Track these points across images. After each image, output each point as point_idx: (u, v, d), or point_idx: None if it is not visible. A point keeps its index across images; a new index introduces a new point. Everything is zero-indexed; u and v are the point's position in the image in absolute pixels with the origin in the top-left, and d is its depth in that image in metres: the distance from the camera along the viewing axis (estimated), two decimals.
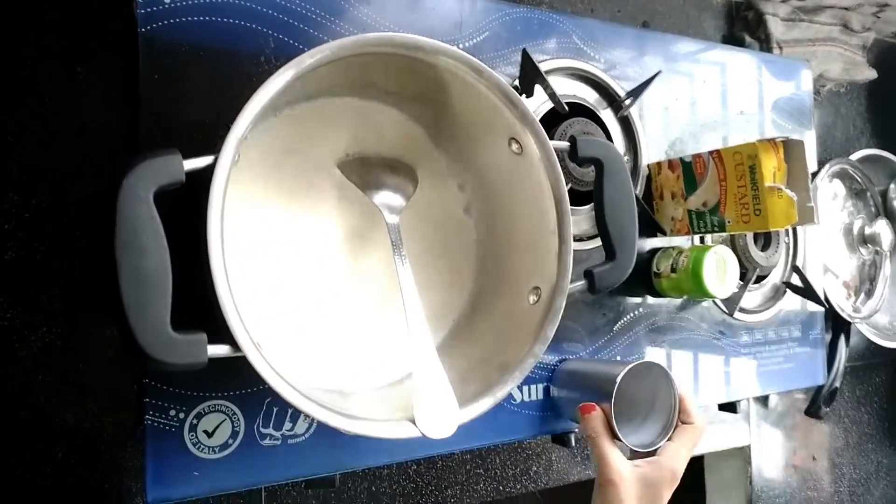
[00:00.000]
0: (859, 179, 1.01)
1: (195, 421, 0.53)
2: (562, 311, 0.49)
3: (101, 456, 0.57)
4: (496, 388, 0.47)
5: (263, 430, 0.55)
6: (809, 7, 1.00)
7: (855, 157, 1.01)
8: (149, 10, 0.52)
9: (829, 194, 1.00)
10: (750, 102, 0.87)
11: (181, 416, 0.52)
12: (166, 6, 0.53)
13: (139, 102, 0.52)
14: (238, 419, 0.54)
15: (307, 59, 0.42)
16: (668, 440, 0.57)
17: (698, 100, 0.82)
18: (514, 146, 0.53)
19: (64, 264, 0.56)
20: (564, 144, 0.53)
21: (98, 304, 0.57)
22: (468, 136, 0.57)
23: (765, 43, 0.97)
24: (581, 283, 0.52)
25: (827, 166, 0.97)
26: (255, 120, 0.41)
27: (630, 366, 0.58)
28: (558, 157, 0.51)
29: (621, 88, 0.75)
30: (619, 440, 0.56)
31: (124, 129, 0.57)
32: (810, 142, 0.92)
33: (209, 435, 0.53)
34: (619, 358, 0.72)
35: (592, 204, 0.70)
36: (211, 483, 0.53)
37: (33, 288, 0.55)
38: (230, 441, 0.54)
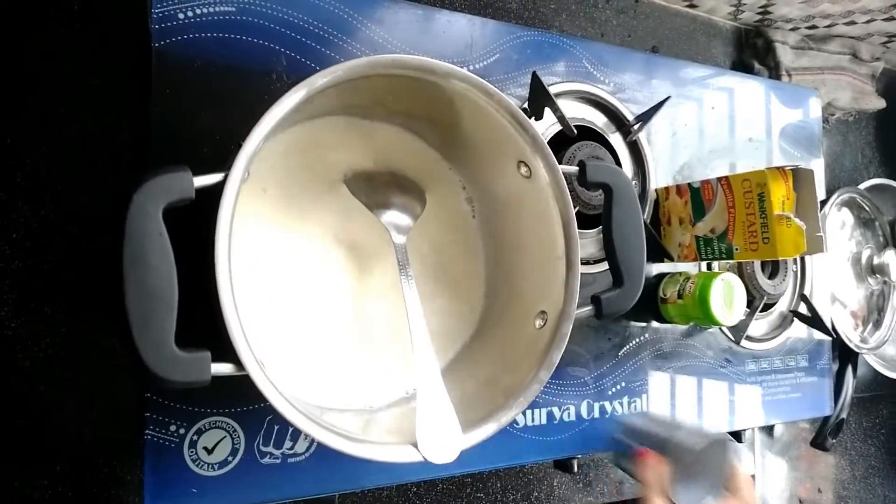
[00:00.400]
0: (868, 209, 1.01)
1: (195, 437, 0.52)
2: (568, 336, 0.49)
3: (100, 469, 0.57)
4: (500, 414, 0.46)
5: (264, 449, 0.55)
6: (819, 35, 1.01)
7: (863, 186, 1.01)
8: (163, 25, 0.53)
9: (838, 223, 1.00)
10: (758, 129, 0.87)
11: (181, 431, 0.52)
12: (181, 22, 0.53)
13: (150, 116, 0.52)
14: (238, 436, 0.54)
15: (319, 80, 0.42)
16: None
17: (707, 126, 0.82)
18: (523, 169, 0.53)
19: (69, 275, 0.56)
20: (574, 169, 0.52)
21: (102, 316, 0.57)
22: (476, 158, 0.57)
23: (774, 70, 0.98)
24: (588, 309, 0.52)
25: (836, 195, 0.96)
26: (265, 138, 0.41)
27: (691, 435, 0.60)
28: (567, 181, 0.51)
29: (630, 113, 0.75)
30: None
31: (135, 142, 0.57)
32: (819, 170, 0.92)
33: (209, 451, 0.53)
34: (624, 384, 0.72)
35: (599, 228, 0.71)
36: (209, 500, 0.52)
37: (38, 298, 0.55)
38: (230, 458, 0.53)
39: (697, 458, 0.60)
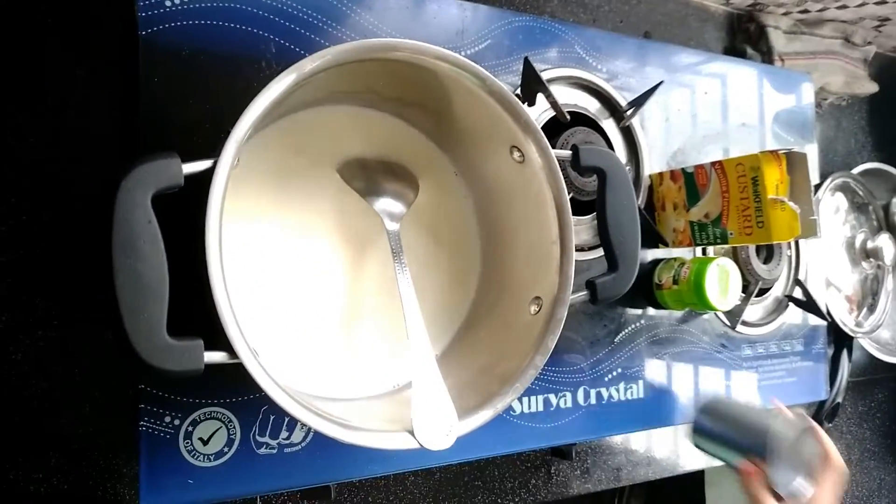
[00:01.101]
0: (861, 193, 1.01)
1: (191, 428, 0.52)
2: (563, 322, 0.49)
3: (95, 462, 0.56)
4: (496, 400, 0.46)
5: (259, 439, 0.54)
6: (811, 20, 1.00)
7: (857, 170, 1.01)
8: (150, 13, 0.52)
9: (832, 207, 1.00)
10: (751, 114, 0.87)
11: (176, 422, 0.52)
12: (167, 9, 0.52)
13: (138, 105, 0.52)
14: (234, 427, 0.53)
15: (308, 64, 0.42)
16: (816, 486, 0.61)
17: (700, 111, 0.82)
18: (516, 154, 0.52)
19: (60, 268, 0.55)
20: (567, 153, 0.52)
21: (94, 308, 0.57)
22: (469, 144, 0.57)
23: (766, 55, 0.97)
24: (583, 294, 0.52)
25: (829, 179, 0.96)
26: (255, 124, 0.41)
27: (786, 424, 0.62)
28: (560, 167, 0.51)
29: (623, 98, 0.75)
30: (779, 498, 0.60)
31: (124, 132, 0.57)
32: (812, 154, 0.92)
33: (204, 442, 0.52)
34: (620, 371, 0.72)
35: (594, 214, 0.70)
36: (205, 491, 0.52)
37: (29, 291, 0.55)
38: (226, 449, 0.53)
39: (793, 446, 0.62)
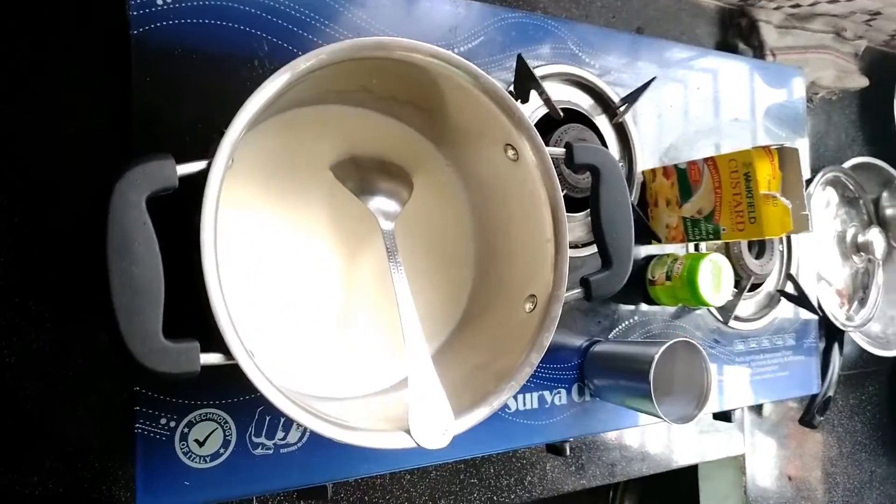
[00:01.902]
0: (852, 187, 1.02)
1: (186, 430, 0.52)
2: (558, 319, 0.49)
3: (91, 465, 0.56)
4: (492, 398, 0.46)
5: (255, 440, 0.54)
6: (802, 14, 1.01)
7: (847, 164, 1.02)
8: (141, 11, 0.51)
9: (823, 202, 1.01)
10: (743, 109, 0.87)
11: (172, 424, 0.51)
12: (159, 8, 0.52)
13: (131, 105, 0.51)
14: (230, 428, 0.53)
15: (302, 63, 0.41)
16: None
17: (692, 106, 0.82)
18: (510, 152, 0.52)
19: (53, 269, 0.55)
20: (560, 151, 0.52)
21: (88, 309, 0.56)
22: (463, 142, 0.57)
23: (758, 50, 0.98)
24: (577, 292, 0.52)
25: (820, 174, 0.97)
26: (249, 124, 0.41)
27: (665, 345, 0.62)
28: (554, 164, 0.51)
29: (616, 94, 0.75)
30: (660, 416, 0.61)
31: (117, 132, 0.56)
32: (804, 149, 0.92)
33: (200, 444, 0.52)
34: None
35: (587, 211, 0.71)
36: (202, 493, 0.52)
37: (22, 293, 0.54)
38: (221, 450, 0.53)
39: (666, 366, 0.64)
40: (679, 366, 0.66)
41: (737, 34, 0.99)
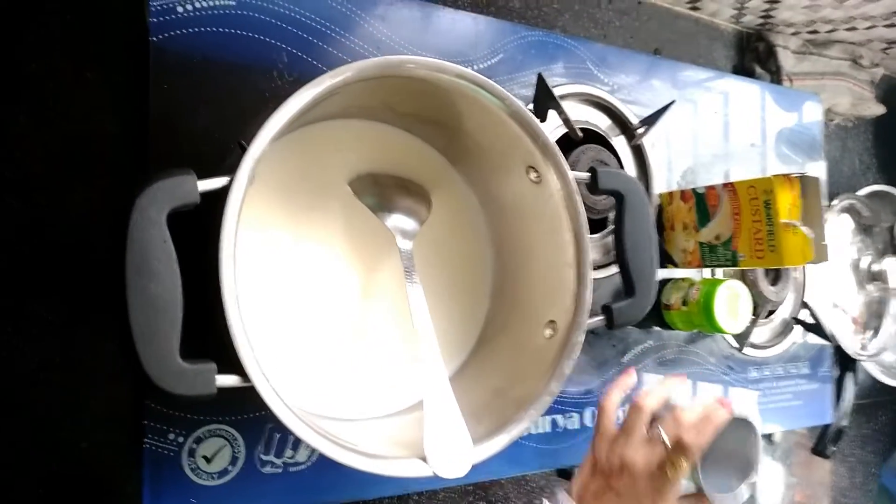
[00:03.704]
0: (867, 215, 1.01)
1: (194, 445, 0.51)
2: (580, 347, 0.48)
3: (98, 478, 0.55)
4: (511, 426, 0.45)
5: (264, 457, 0.53)
6: (820, 41, 1.00)
7: (863, 192, 1.01)
8: (161, 18, 0.51)
9: (838, 229, 1.00)
10: (760, 134, 0.86)
11: (180, 439, 0.51)
12: (179, 16, 0.52)
13: (148, 112, 0.51)
14: (238, 445, 0.52)
15: (328, 80, 0.41)
16: None
17: (709, 130, 0.81)
18: (532, 175, 0.51)
19: (63, 278, 0.54)
20: (585, 175, 0.51)
21: (98, 320, 0.55)
22: (484, 163, 0.56)
23: (775, 74, 0.97)
24: (599, 319, 0.51)
25: (836, 201, 0.96)
26: (271, 141, 0.40)
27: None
28: None
29: (634, 115, 0.74)
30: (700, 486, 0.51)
31: (132, 137, 0.56)
32: (821, 174, 0.92)
33: (208, 460, 0.51)
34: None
35: (605, 232, 0.70)
36: None
37: (32, 302, 0.53)
38: (229, 467, 0.52)
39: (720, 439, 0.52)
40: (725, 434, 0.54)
41: (754, 58, 0.99)
